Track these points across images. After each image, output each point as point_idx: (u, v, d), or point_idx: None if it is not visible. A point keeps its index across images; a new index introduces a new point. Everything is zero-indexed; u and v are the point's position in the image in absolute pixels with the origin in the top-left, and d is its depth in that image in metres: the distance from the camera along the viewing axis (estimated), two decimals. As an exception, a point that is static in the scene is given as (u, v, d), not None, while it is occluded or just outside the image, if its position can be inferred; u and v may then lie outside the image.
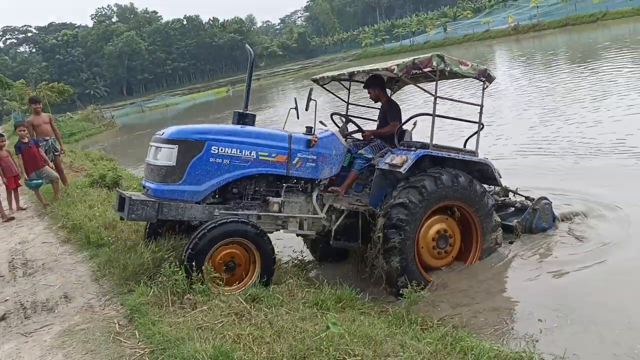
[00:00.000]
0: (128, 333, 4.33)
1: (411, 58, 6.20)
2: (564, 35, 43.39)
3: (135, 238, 6.70)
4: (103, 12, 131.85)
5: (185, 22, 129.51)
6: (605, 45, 29.90)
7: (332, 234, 6.42)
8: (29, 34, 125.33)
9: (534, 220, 7.24)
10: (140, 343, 4.10)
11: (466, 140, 7.17)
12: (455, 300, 5.87)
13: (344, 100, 8.13)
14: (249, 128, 6.15)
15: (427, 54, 6.30)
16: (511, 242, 7.09)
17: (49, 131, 10.47)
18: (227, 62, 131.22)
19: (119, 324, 4.51)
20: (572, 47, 34.85)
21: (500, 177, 6.91)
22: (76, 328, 4.57)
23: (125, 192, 5.83)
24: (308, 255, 7.80)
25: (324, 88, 7.72)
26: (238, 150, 5.79)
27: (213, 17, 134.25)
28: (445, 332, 4.56)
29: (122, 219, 5.87)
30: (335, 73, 7.37)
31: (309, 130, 6.34)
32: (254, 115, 6.52)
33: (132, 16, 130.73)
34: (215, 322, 4.25)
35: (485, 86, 6.77)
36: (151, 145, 5.87)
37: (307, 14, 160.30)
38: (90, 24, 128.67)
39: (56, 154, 10.56)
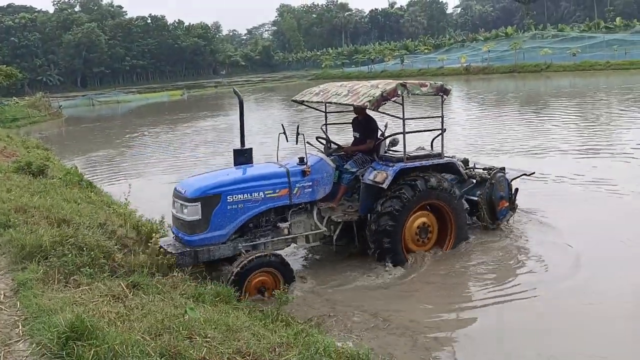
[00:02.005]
0: (10, 303, 4.76)
1: (380, 91, 7.37)
2: (509, 81, 45.74)
3: (43, 223, 7.07)
4: (66, 0, 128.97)
5: (149, 21, 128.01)
6: (547, 93, 32.26)
7: (334, 241, 7.80)
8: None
9: (492, 192, 8.66)
10: (18, 312, 4.55)
11: (432, 142, 8.52)
12: (332, 305, 6.74)
13: (322, 111, 9.30)
14: (253, 172, 7.54)
15: (392, 85, 7.50)
16: (479, 219, 8.74)
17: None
18: (188, 66, 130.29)
19: (4, 295, 4.93)
20: (514, 91, 36.93)
21: (464, 170, 8.58)
22: (-37, 295, 4.97)
23: (163, 244, 7.03)
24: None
25: (303, 104, 8.95)
26: (249, 194, 7.07)
27: (178, 20, 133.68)
28: (301, 329, 5.24)
29: None
30: (314, 99, 8.46)
31: (302, 160, 7.55)
32: (251, 149, 8.00)
33: (95, 7, 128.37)
34: (92, 300, 4.76)
35: (443, 99, 8.05)
36: (175, 201, 7.15)
37: (275, 28, 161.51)
38: (51, 10, 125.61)
39: (-17, 136, 10.75)
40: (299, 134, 7.52)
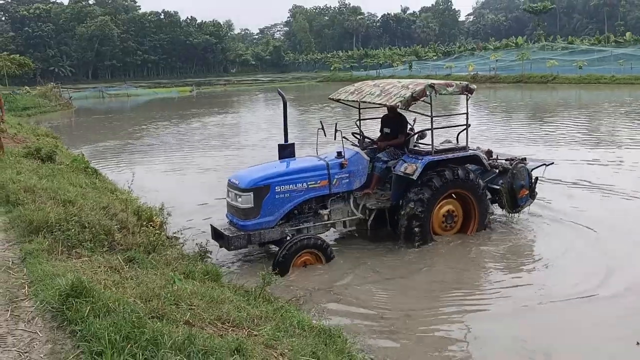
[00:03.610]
0: (18, 269, 5.26)
1: (410, 92, 8.24)
2: (515, 90, 46.01)
3: (50, 203, 7.58)
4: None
5: (162, 17, 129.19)
6: (553, 104, 32.70)
7: (369, 226, 8.77)
8: (1, 2, 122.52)
9: (513, 181, 9.42)
10: (24, 276, 5.06)
11: (457, 136, 9.50)
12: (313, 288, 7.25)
13: (355, 107, 10.08)
14: (297, 165, 8.49)
15: (421, 86, 8.34)
16: (500, 206, 9.65)
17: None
18: (199, 63, 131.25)
19: (12, 262, 5.44)
20: (521, 100, 37.29)
21: (487, 161, 9.33)
22: (-25, 261, 5.48)
23: (220, 228, 8.22)
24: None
25: (339, 101, 9.70)
26: (294, 185, 8.09)
27: (191, 16, 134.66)
28: (281, 306, 5.72)
29: (221, 246, 8.26)
30: (350, 97, 9.33)
31: (339, 154, 8.52)
32: (293, 144, 9.13)
33: (109, 1, 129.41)
34: (91, 269, 5.25)
35: (468, 97, 8.90)
36: (230, 190, 8.20)
37: (287, 29, 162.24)
38: (65, 1, 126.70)
39: (-3, 121, 11.33)
40: (337, 130, 8.60)
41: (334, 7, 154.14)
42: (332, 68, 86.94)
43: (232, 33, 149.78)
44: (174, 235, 8.79)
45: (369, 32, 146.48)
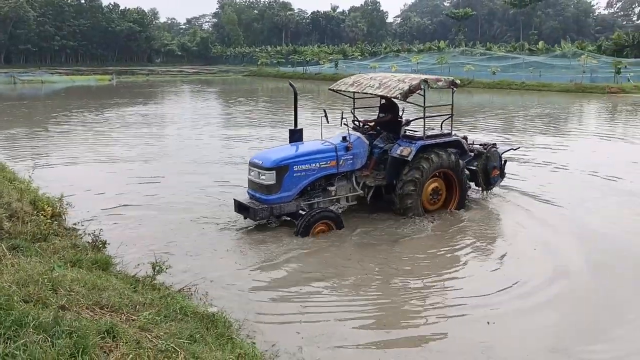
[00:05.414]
0: None
1: (407, 86, 9.43)
2: (432, 93, 47.56)
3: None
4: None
5: (83, 1, 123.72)
6: (471, 106, 34.16)
7: (368, 200, 10.06)
8: None
9: (487, 163, 10.93)
10: None
11: (442, 123, 10.78)
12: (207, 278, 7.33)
13: (350, 97, 11.11)
14: (310, 148, 9.57)
15: (417, 81, 9.56)
16: (476, 185, 11.14)
17: None
18: (121, 51, 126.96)
19: None
20: (434, 102, 38.75)
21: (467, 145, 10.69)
22: None
23: (244, 201, 9.31)
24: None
25: (339, 92, 10.72)
26: (309, 165, 9.28)
27: (114, 2, 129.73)
28: (168, 293, 5.86)
29: (245, 217, 9.48)
30: (350, 89, 10.41)
31: (344, 139, 9.70)
32: (302, 129, 10.13)
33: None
34: (-31, 257, 5.21)
35: (453, 90, 10.24)
36: (252, 169, 9.30)
37: (215, 20, 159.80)
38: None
39: None
40: (342, 117, 10.15)
41: (264, 1, 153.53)
42: (259, 63, 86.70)
43: (157, 22, 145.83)
44: (74, 225, 8.72)
45: (298, 28, 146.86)
